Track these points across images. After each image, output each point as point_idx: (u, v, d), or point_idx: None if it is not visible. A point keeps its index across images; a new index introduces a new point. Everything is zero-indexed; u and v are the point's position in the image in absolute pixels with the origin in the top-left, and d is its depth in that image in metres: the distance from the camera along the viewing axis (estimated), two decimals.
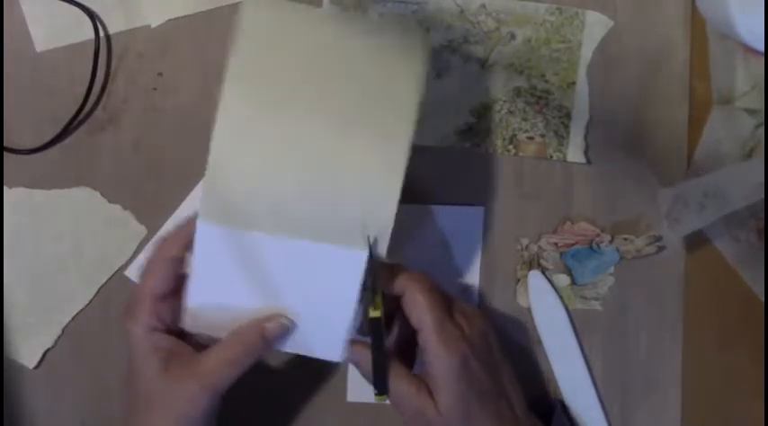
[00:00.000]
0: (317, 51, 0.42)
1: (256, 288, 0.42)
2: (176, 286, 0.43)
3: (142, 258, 0.51)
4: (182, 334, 0.44)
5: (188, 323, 0.43)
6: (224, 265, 0.42)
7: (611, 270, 0.53)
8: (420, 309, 0.42)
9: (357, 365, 0.44)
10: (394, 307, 0.44)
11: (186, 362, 0.42)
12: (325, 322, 0.43)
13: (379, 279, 0.42)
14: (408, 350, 0.46)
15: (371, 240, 0.41)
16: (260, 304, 0.43)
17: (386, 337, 0.44)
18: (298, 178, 0.41)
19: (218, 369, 0.42)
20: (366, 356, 0.43)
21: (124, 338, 0.43)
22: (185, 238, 0.42)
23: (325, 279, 0.42)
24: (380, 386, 0.43)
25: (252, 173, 0.41)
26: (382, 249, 0.42)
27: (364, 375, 0.44)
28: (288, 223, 0.41)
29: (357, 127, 0.41)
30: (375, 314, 0.42)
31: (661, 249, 0.53)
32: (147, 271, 0.43)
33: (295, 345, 0.43)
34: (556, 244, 0.53)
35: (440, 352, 0.42)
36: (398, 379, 0.43)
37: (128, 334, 0.43)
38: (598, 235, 0.53)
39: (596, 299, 0.53)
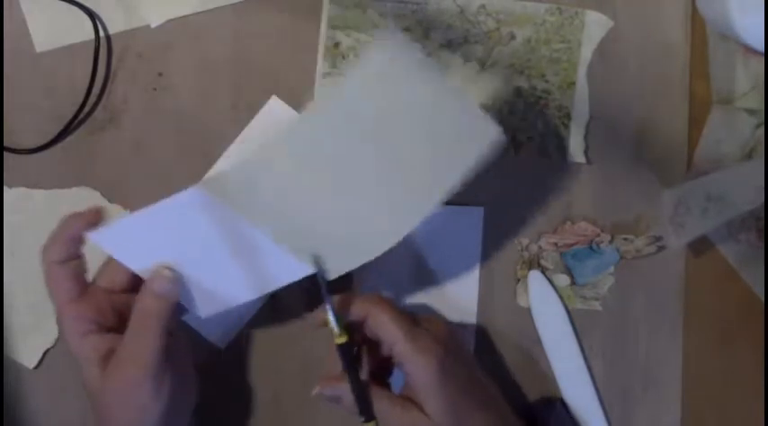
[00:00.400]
0: (403, 107, 0.43)
1: (197, 249, 0.43)
2: (83, 284, 0.43)
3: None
4: (121, 328, 0.44)
5: (98, 236, 0.42)
6: (185, 227, 0.42)
7: (611, 270, 0.53)
8: (388, 326, 0.43)
9: (338, 401, 0.44)
10: (359, 339, 0.45)
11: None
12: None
13: (339, 306, 0.44)
14: (381, 379, 0.46)
15: (319, 268, 0.43)
16: (182, 260, 0.43)
17: (360, 368, 0.45)
18: (314, 198, 0.43)
19: (139, 345, 0.41)
20: (344, 388, 0.43)
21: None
22: (65, 240, 0.43)
23: (257, 266, 0.43)
24: (366, 412, 0.43)
25: (284, 177, 0.42)
26: (325, 276, 0.44)
27: (347, 408, 0.44)
28: (277, 224, 0.42)
29: (386, 190, 0.44)
30: (341, 340, 0.43)
31: (661, 249, 0.53)
32: (48, 283, 0.43)
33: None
34: (556, 244, 0.53)
35: (418, 360, 0.42)
36: (382, 401, 0.43)
37: (67, 345, 0.43)
38: (598, 235, 0.53)
39: (596, 299, 0.53)
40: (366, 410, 0.43)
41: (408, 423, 0.42)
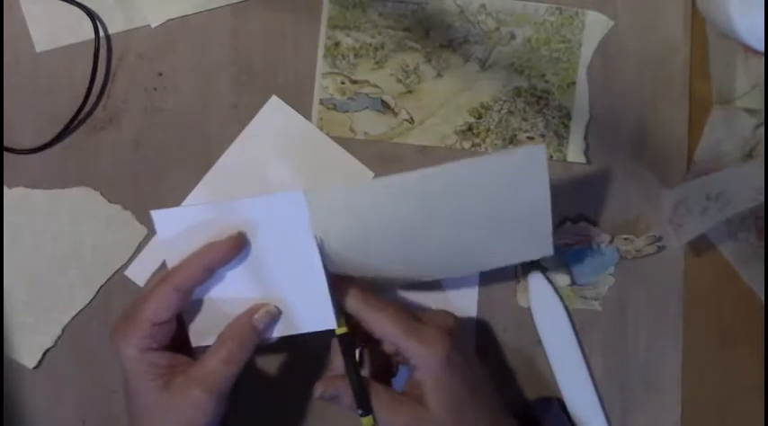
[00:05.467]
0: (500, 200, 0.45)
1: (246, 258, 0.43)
2: (175, 314, 0.42)
3: (144, 259, 0.51)
4: (177, 347, 0.43)
5: (159, 215, 0.42)
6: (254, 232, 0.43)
7: (611, 270, 0.53)
8: (386, 325, 0.43)
9: (337, 398, 0.44)
10: (361, 338, 0.45)
11: (185, 372, 0.42)
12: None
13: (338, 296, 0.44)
14: (384, 380, 0.46)
15: None
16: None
17: (362, 368, 0.45)
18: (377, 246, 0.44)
19: (217, 370, 0.41)
20: (344, 384, 0.43)
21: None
22: (198, 268, 0.42)
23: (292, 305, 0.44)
24: (364, 405, 0.42)
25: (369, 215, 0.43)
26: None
27: (346, 405, 0.43)
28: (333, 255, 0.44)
29: (438, 254, 0.46)
30: (340, 331, 0.43)
31: (661, 249, 0.53)
32: (152, 297, 0.41)
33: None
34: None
35: (422, 351, 0.42)
36: (380, 396, 0.43)
37: (118, 353, 0.42)
38: (598, 235, 0.53)
39: (596, 299, 0.53)
40: (363, 403, 0.42)
41: (406, 417, 0.42)
